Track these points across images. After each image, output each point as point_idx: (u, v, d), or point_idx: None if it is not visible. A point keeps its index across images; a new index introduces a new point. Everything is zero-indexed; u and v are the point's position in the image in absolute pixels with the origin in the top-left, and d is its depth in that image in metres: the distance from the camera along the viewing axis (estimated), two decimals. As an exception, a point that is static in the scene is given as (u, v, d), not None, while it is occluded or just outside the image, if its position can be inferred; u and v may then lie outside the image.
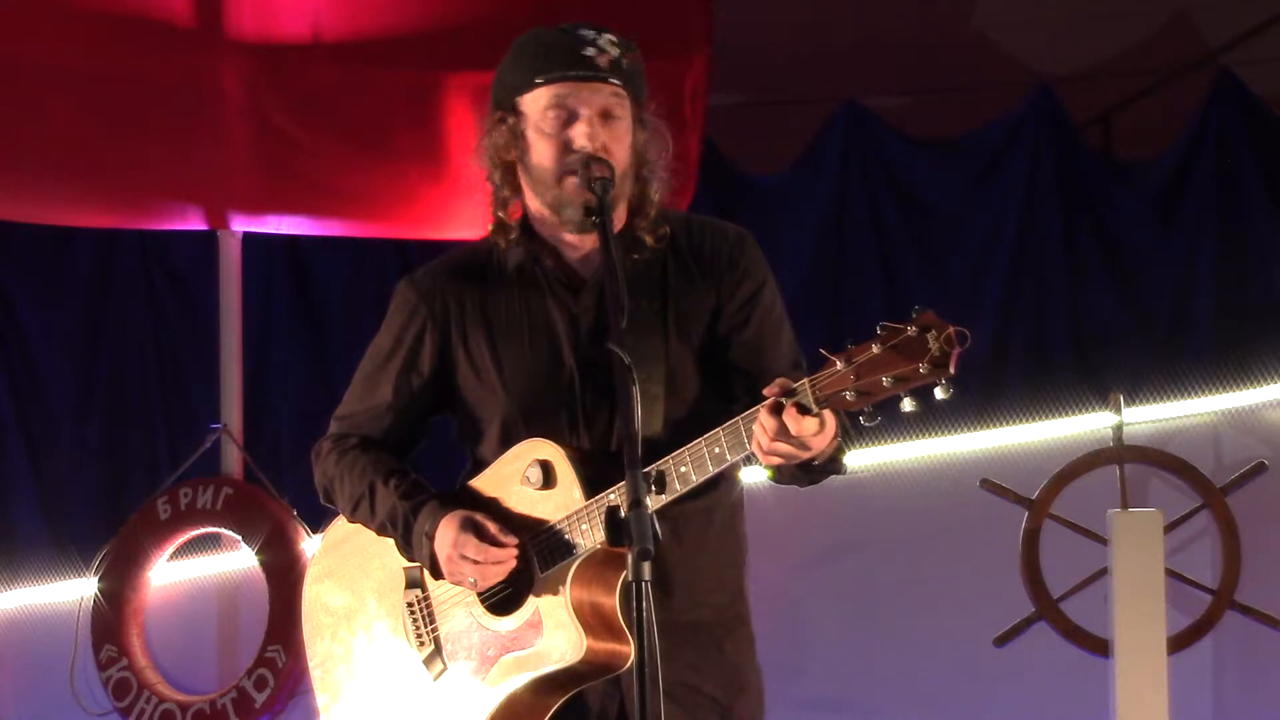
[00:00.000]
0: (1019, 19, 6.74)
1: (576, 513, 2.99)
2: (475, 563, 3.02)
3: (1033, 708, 5.80)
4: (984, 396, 6.07)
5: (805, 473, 2.98)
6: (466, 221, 5.83)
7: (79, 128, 5.77)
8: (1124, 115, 7.14)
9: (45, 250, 6.81)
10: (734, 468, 3.03)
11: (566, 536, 3.00)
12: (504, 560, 3.01)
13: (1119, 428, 5.38)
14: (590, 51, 3.03)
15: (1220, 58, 6.68)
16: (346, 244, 6.56)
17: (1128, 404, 5.44)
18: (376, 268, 6.73)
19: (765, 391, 2.79)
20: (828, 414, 2.79)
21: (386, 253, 6.68)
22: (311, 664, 3.31)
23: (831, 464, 2.95)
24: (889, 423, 2.76)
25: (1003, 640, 5.34)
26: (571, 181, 3.04)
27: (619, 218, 3.11)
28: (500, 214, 3.17)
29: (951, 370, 2.64)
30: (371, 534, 3.21)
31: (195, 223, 6.04)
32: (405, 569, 3.18)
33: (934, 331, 2.65)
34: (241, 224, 6.07)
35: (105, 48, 5.73)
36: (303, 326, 6.83)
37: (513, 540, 3.02)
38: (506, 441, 3.11)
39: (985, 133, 6.61)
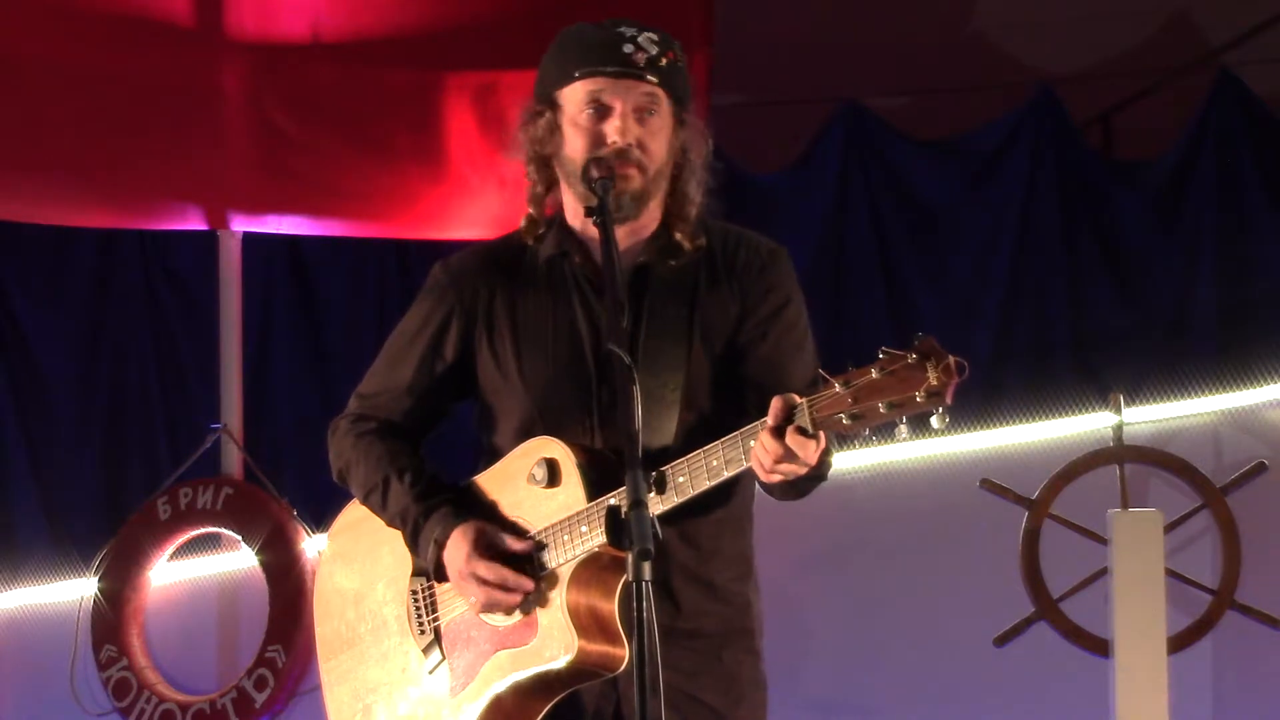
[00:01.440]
0: (1019, 19, 6.74)
1: (579, 514, 2.99)
2: (484, 582, 3.02)
3: (1033, 708, 5.79)
4: (984, 396, 6.06)
5: (792, 487, 2.97)
6: (467, 221, 5.84)
7: (79, 127, 5.78)
8: (1124, 115, 7.14)
9: (45, 250, 6.81)
10: (742, 478, 3.02)
11: (567, 537, 3.00)
12: (513, 587, 3.01)
13: (1119, 428, 5.38)
14: (629, 49, 3.04)
15: (1220, 58, 6.68)
16: (346, 244, 6.56)
17: (1128, 404, 5.44)
18: (376, 268, 6.73)
19: (771, 407, 2.78)
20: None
21: (386, 253, 6.69)
22: (319, 644, 3.33)
23: (818, 471, 2.92)
24: (891, 430, 2.75)
25: (1003, 640, 5.33)
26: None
27: (653, 217, 3.11)
28: (534, 209, 3.17)
29: (948, 400, 2.65)
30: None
31: (195, 223, 6.04)
32: (413, 556, 3.19)
33: (933, 360, 2.65)
34: (241, 224, 6.07)
35: (105, 47, 5.74)
36: (303, 326, 6.83)
37: (526, 548, 3.03)
38: (522, 436, 3.11)
39: (985, 133, 6.61)
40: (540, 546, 3.03)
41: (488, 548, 3.04)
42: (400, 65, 5.86)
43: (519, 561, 3.03)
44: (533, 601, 3.03)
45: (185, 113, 5.83)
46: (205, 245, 6.38)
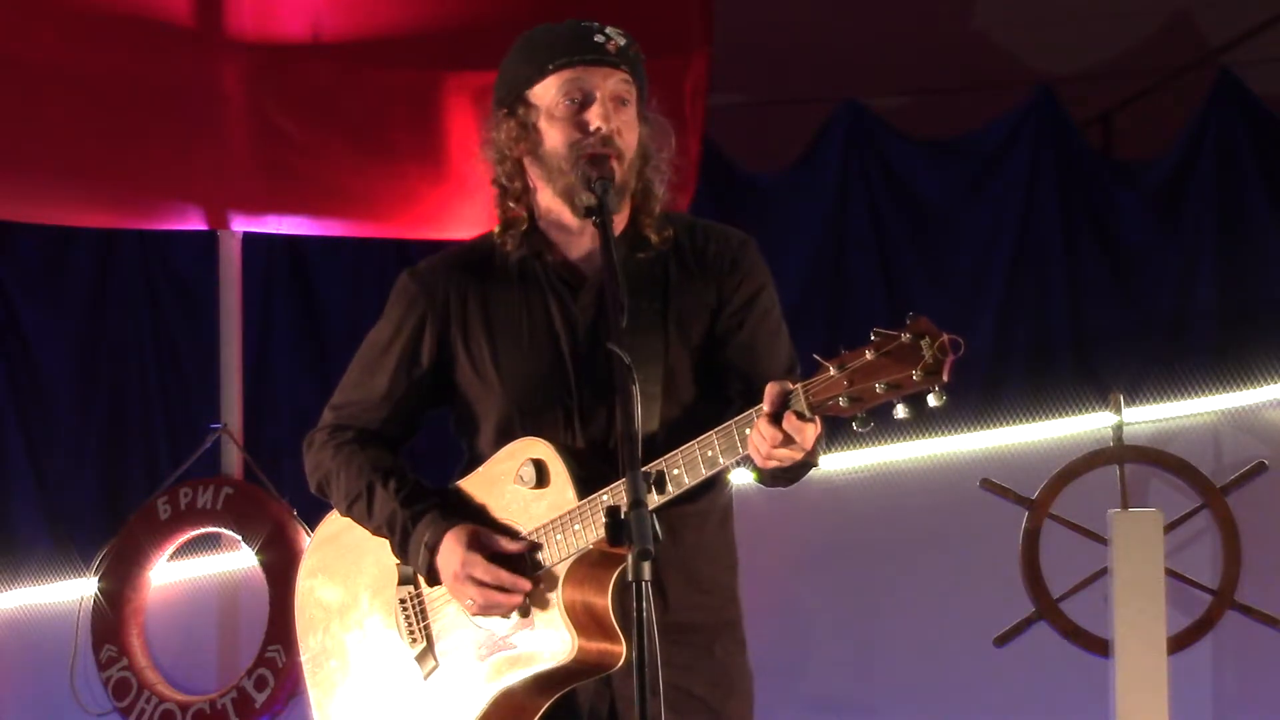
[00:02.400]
0: (1019, 19, 6.74)
1: (570, 512, 2.99)
2: (481, 584, 3.01)
3: (1033, 708, 5.80)
4: (984, 396, 6.07)
5: (785, 473, 2.97)
6: (466, 221, 5.83)
7: (79, 128, 5.77)
8: (1124, 115, 7.14)
9: (45, 250, 6.80)
10: (726, 470, 3.03)
11: (560, 536, 3.00)
12: (510, 588, 3.01)
13: (1119, 428, 5.38)
14: (600, 39, 3.06)
15: (1220, 58, 6.68)
16: (346, 244, 6.56)
17: (1128, 404, 5.44)
18: (376, 268, 6.72)
19: (766, 394, 2.78)
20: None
21: (386, 253, 6.68)
22: (304, 658, 3.32)
23: (810, 458, 2.92)
24: (889, 422, 2.75)
25: (1003, 640, 5.34)
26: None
27: (622, 214, 3.11)
28: (505, 213, 3.16)
29: (944, 378, 2.64)
30: (364, 530, 3.21)
31: (195, 223, 6.04)
32: (399, 565, 3.18)
33: (928, 338, 2.65)
34: (241, 224, 6.07)
35: (105, 48, 5.74)
36: (303, 326, 6.83)
37: (521, 549, 3.02)
38: (503, 437, 3.11)
39: (985, 133, 6.61)
40: (534, 546, 3.03)
41: (482, 549, 3.03)
42: (400, 65, 5.86)
43: (514, 562, 3.03)
44: (529, 602, 3.03)
45: (185, 113, 5.82)
46: (205, 245, 6.38)
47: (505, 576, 3.01)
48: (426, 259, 3.26)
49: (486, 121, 3.16)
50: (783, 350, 3.14)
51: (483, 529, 3.06)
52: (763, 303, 3.15)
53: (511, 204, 3.16)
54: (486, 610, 3.04)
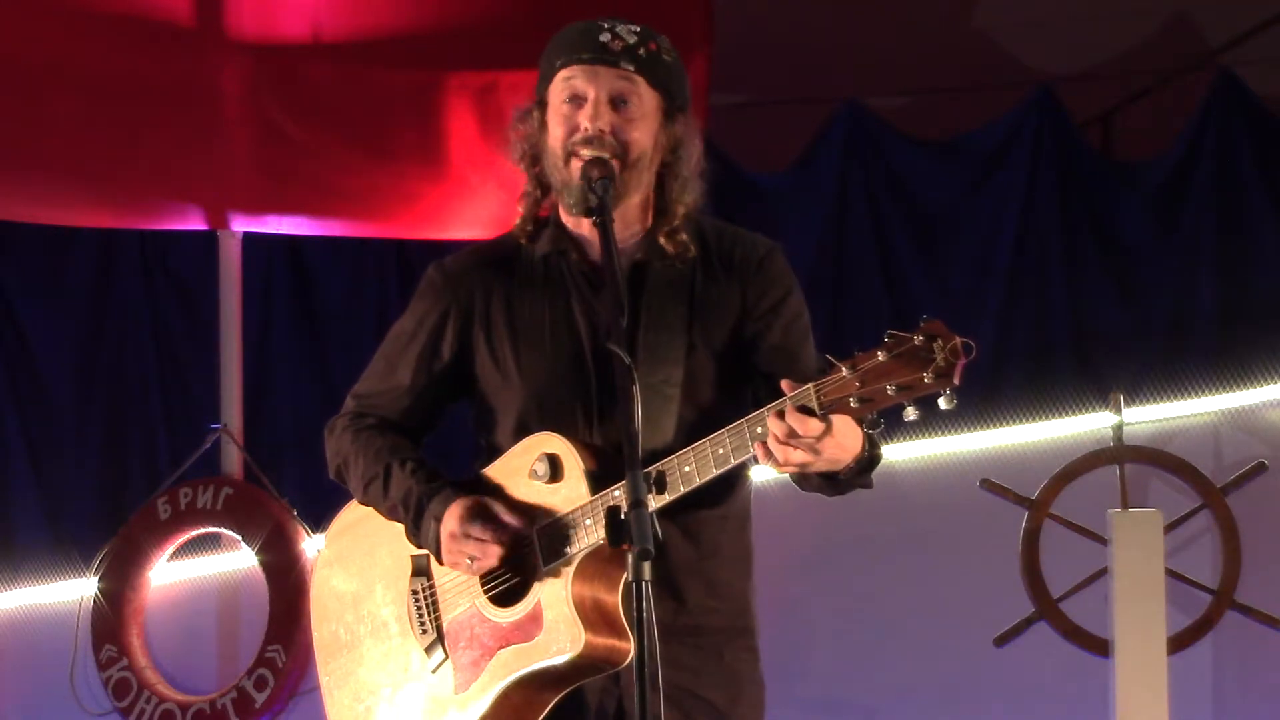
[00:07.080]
0: (1019, 19, 6.74)
1: (582, 507, 3.00)
2: (478, 540, 3.02)
3: (1033, 708, 5.80)
4: (984, 396, 6.07)
5: (830, 484, 2.98)
6: (467, 221, 5.84)
7: (80, 128, 5.78)
8: (1124, 115, 7.14)
9: (45, 250, 6.80)
10: (744, 473, 3.03)
11: (571, 531, 3.00)
12: (505, 541, 3.02)
13: (1119, 428, 5.38)
14: (605, 37, 3.07)
15: (1220, 58, 6.68)
16: (346, 244, 6.56)
17: (1128, 404, 5.44)
18: (376, 268, 6.73)
19: (782, 387, 2.79)
20: (848, 423, 2.80)
21: (386, 253, 6.69)
22: (317, 647, 3.33)
23: (859, 478, 2.95)
24: (889, 422, 2.76)
25: (1003, 640, 5.34)
26: (576, 164, 3.07)
27: (635, 208, 3.12)
28: (527, 207, 3.19)
29: (956, 381, 2.65)
30: (381, 521, 3.22)
31: (195, 223, 6.04)
32: (413, 556, 3.19)
33: (940, 341, 2.66)
34: (241, 224, 6.08)
35: (106, 48, 5.74)
36: (303, 326, 6.83)
37: (518, 521, 3.03)
38: (521, 433, 3.12)
39: (985, 133, 6.61)
40: (542, 536, 3.03)
41: (483, 511, 3.04)
42: (400, 65, 5.86)
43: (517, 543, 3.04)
44: (538, 597, 3.03)
45: (185, 113, 5.83)
46: (205, 245, 6.38)
47: (505, 537, 3.02)
48: (454, 254, 3.28)
49: (515, 114, 3.19)
50: (811, 356, 3.14)
51: (489, 500, 3.06)
52: (791, 307, 3.17)
53: (534, 201, 3.17)
54: (483, 565, 3.04)
